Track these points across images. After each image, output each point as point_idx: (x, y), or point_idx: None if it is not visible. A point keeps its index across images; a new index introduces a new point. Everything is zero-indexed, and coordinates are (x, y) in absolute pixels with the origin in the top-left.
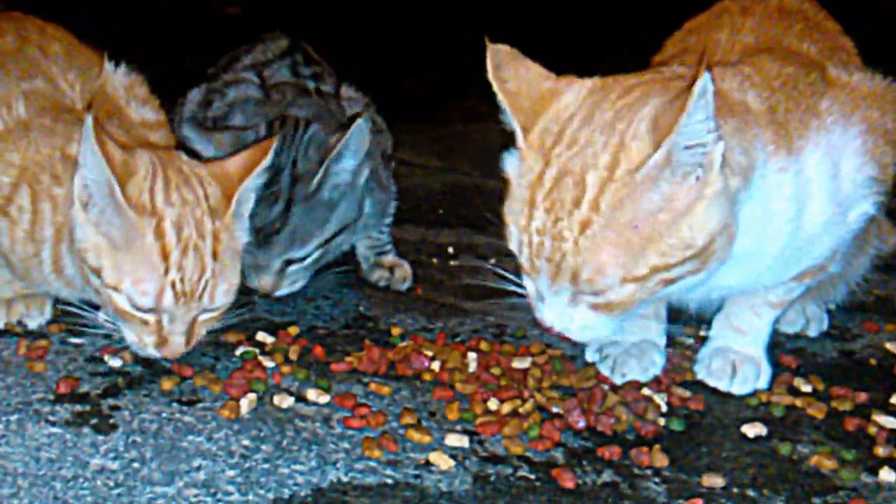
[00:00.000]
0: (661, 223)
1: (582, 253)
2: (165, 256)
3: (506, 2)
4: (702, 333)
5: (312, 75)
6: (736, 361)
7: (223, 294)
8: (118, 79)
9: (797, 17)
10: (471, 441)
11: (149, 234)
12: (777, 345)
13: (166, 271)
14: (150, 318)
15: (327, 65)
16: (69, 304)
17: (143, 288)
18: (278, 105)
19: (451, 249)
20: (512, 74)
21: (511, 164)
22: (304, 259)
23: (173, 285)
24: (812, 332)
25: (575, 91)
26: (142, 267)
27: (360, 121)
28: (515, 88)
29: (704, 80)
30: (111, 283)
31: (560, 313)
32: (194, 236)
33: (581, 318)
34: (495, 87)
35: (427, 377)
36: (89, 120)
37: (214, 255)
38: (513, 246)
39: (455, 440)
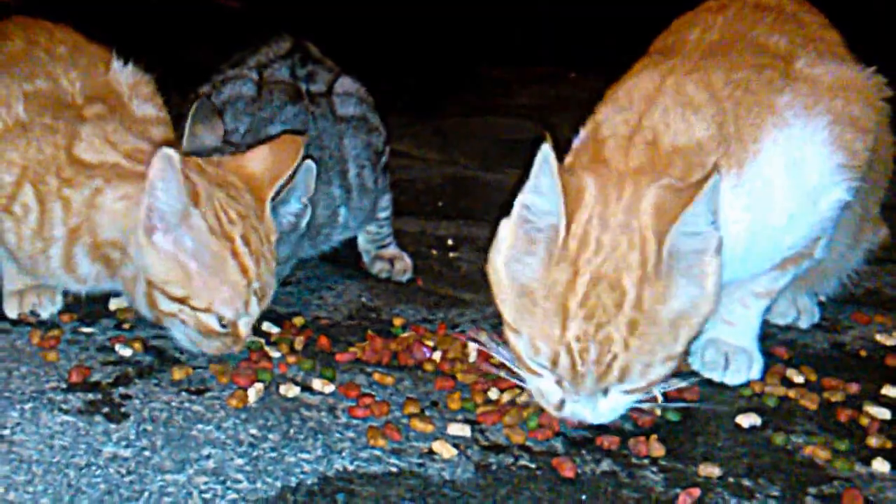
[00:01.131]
0: (691, 306)
1: (633, 352)
2: (245, 272)
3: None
4: None
5: (306, 75)
6: (728, 352)
7: (277, 282)
8: (124, 76)
9: (771, 11)
10: (472, 430)
11: (228, 256)
12: (769, 336)
13: (249, 284)
14: (231, 327)
15: (331, 61)
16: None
17: (235, 305)
18: (266, 107)
19: (450, 241)
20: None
21: (521, 273)
22: None
23: (255, 293)
24: (803, 324)
25: (587, 194)
26: (228, 287)
27: (307, 163)
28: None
29: (705, 193)
30: (201, 307)
31: (592, 407)
32: (258, 245)
33: (611, 405)
34: (556, 188)
35: (429, 367)
36: (173, 153)
37: (271, 255)
38: (542, 358)
39: (457, 429)
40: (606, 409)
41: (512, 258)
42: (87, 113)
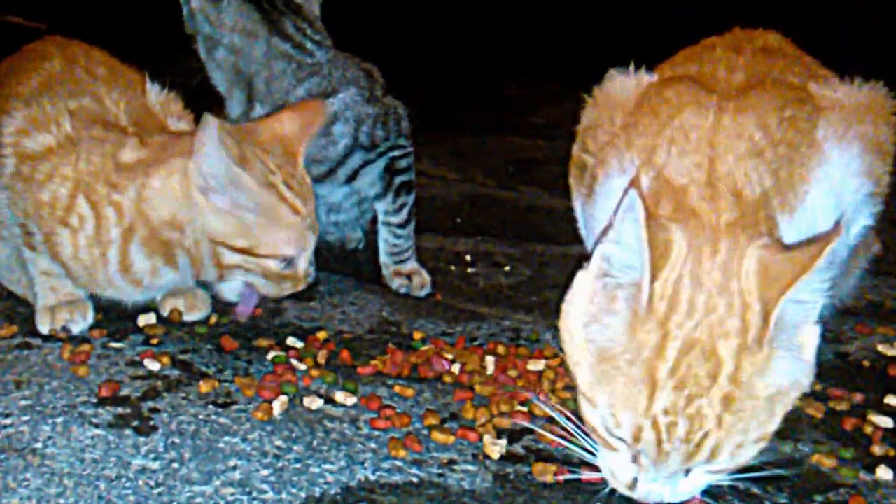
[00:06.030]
0: (791, 381)
1: (726, 430)
2: (297, 211)
3: (524, 14)
4: None
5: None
6: None
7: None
8: (154, 96)
9: (779, 55)
10: (491, 441)
11: (277, 202)
12: None
13: (303, 220)
14: (290, 268)
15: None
16: None
17: (296, 243)
18: None
19: (468, 257)
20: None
21: (600, 334)
22: None
23: (310, 228)
24: None
25: (676, 248)
26: (286, 229)
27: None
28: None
29: (824, 259)
30: (266, 253)
31: (672, 487)
32: (299, 187)
33: (692, 485)
34: (642, 240)
35: (448, 379)
36: (214, 119)
37: (312, 195)
38: (622, 431)
39: (476, 440)
40: (686, 489)
41: (590, 317)
42: (131, 132)
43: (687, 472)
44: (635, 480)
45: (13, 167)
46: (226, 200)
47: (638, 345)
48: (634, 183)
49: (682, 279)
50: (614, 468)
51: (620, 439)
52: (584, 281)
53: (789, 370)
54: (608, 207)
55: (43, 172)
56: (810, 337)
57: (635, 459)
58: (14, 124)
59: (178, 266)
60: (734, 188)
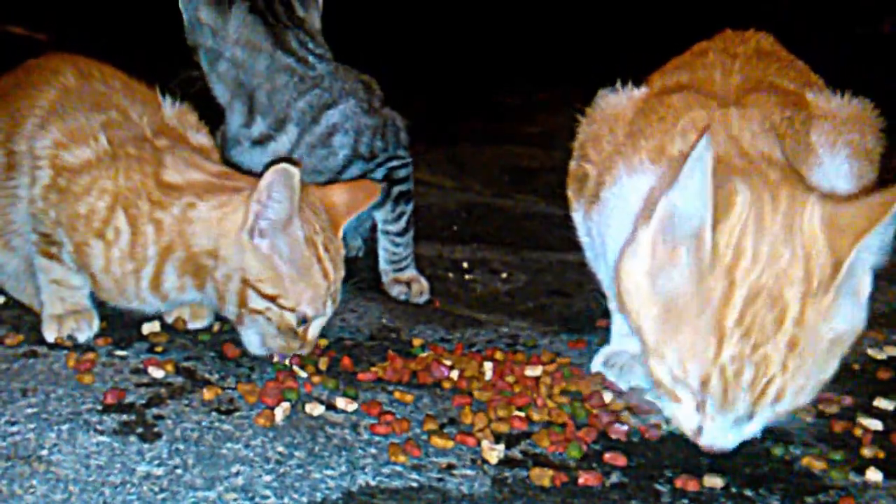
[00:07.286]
0: (850, 325)
1: (791, 373)
2: (327, 275)
3: (520, 24)
4: None
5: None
6: None
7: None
8: (169, 109)
9: (772, 58)
10: (489, 445)
11: (314, 261)
12: None
13: (329, 287)
14: (302, 328)
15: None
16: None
17: (316, 305)
18: None
19: (465, 264)
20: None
21: (665, 285)
22: None
23: (331, 296)
24: None
25: (739, 199)
26: (312, 289)
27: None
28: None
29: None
30: (288, 306)
31: (736, 433)
32: (334, 254)
33: (753, 429)
34: (706, 188)
35: (446, 385)
36: (293, 169)
37: (343, 265)
38: (690, 380)
39: (474, 445)
40: (747, 434)
41: (654, 270)
42: (159, 145)
43: (750, 416)
44: (700, 428)
45: (48, 179)
46: (268, 245)
47: (704, 294)
48: (706, 131)
49: (746, 228)
50: (680, 418)
51: (686, 388)
52: (644, 236)
53: (850, 315)
54: (621, 206)
55: (81, 185)
56: (865, 283)
57: (699, 409)
58: (50, 137)
59: (206, 291)
60: (764, 155)
